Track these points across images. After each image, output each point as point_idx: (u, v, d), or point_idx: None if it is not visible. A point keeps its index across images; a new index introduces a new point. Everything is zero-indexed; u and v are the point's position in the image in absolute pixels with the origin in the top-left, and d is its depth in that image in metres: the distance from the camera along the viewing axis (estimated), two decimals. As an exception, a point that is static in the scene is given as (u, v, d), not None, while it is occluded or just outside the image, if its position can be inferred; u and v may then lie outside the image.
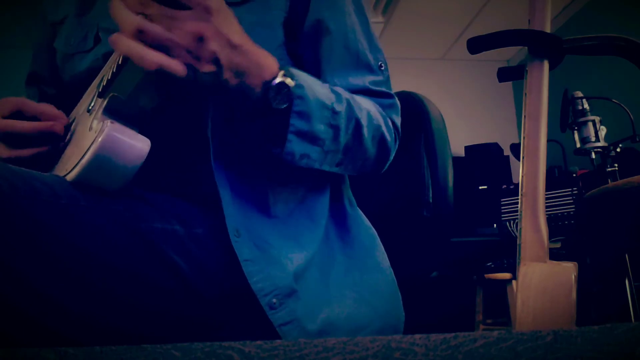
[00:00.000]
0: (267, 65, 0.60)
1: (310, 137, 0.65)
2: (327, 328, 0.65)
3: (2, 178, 0.49)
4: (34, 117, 0.71)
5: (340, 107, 0.68)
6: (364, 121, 0.71)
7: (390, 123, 0.78)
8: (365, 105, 0.73)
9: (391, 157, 0.80)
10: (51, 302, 0.50)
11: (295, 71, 0.63)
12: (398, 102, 0.82)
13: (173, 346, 0.30)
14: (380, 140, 0.75)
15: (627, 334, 0.29)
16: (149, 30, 0.51)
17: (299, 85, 0.62)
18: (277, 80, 0.60)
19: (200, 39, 0.53)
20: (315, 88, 0.65)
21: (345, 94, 0.70)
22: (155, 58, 0.51)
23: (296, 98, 0.62)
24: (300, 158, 0.65)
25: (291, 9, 0.75)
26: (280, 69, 0.62)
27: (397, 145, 0.81)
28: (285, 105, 0.61)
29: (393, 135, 0.78)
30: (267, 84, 0.60)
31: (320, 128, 0.66)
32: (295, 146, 0.64)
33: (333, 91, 0.69)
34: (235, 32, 0.57)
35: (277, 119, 0.63)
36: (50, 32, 0.88)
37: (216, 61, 0.55)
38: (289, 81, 0.61)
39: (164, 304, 0.59)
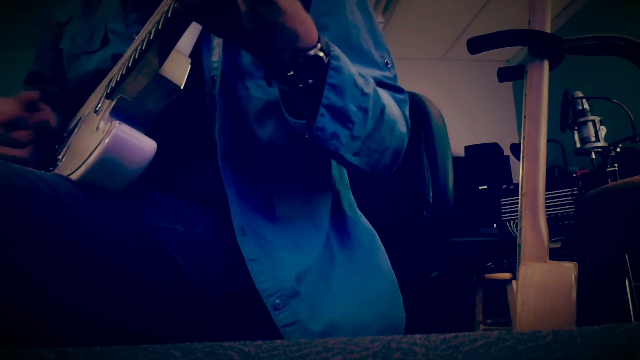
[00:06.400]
0: (304, 33, 0.54)
1: (342, 116, 0.61)
2: (330, 329, 0.65)
3: (4, 176, 0.49)
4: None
5: (369, 90, 0.65)
6: (387, 109, 0.69)
7: (403, 115, 0.76)
8: (385, 94, 0.71)
9: (403, 151, 0.76)
10: (52, 301, 0.50)
11: (332, 45, 0.60)
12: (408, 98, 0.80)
13: (173, 346, 0.30)
14: (397, 131, 0.72)
15: (627, 334, 0.29)
16: None
17: (335, 57, 0.58)
18: (312, 52, 0.55)
19: None
20: (349, 63, 0.62)
21: (371, 79, 0.68)
22: None
23: (331, 69, 0.58)
24: (330, 137, 0.61)
25: None
26: (319, 41, 0.57)
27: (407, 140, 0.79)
28: (313, 80, 0.57)
29: (406, 128, 0.76)
30: (300, 53, 0.55)
31: (352, 108, 0.61)
32: (327, 122, 0.60)
33: (360, 74, 0.65)
34: None
35: (307, 92, 0.59)
36: (57, 33, 0.88)
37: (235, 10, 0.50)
38: (322, 55, 0.56)
39: (164, 303, 0.59)
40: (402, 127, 0.74)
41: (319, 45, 0.56)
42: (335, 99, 0.59)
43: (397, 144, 0.73)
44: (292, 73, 0.55)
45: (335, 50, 0.59)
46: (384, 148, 0.70)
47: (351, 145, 0.64)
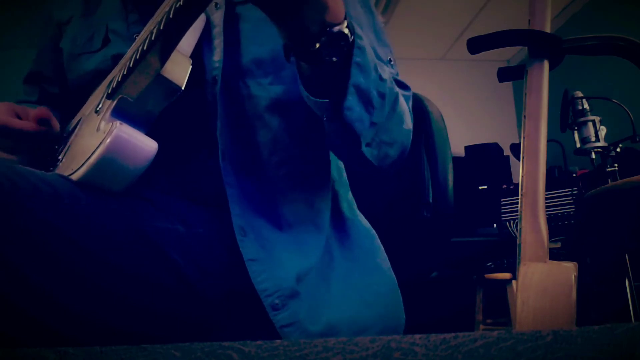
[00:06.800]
0: (333, 7, 0.53)
1: (366, 99, 0.59)
2: (329, 331, 0.64)
3: (4, 176, 0.49)
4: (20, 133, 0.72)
5: (386, 76, 0.64)
6: (400, 100, 0.68)
7: (410, 111, 0.75)
8: (396, 87, 0.70)
9: (408, 148, 0.75)
10: (52, 301, 0.50)
11: (356, 25, 0.58)
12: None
13: (173, 346, 0.30)
14: (405, 125, 0.72)
15: (627, 334, 0.29)
16: None
17: (359, 36, 0.57)
18: (338, 28, 0.53)
19: None
20: (369, 46, 0.60)
21: (385, 67, 0.67)
22: None
23: (357, 48, 0.57)
24: (356, 119, 0.59)
25: None
26: (345, 18, 0.55)
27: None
28: (336, 59, 0.55)
29: (412, 124, 0.75)
30: (326, 27, 0.53)
31: (373, 91, 0.60)
32: (355, 103, 0.58)
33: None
34: None
35: (328, 72, 0.57)
36: (57, 33, 0.88)
37: None
38: (348, 33, 0.54)
39: (164, 304, 0.59)
40: (409, 122, 0.73)
41: (345, 22, 0.55)
42: (361, 79, 0.58)
43: (404, 139, 0.72)
44: (317, 46, 0.53)
45: (359, 30, 0.58)
46: (393, 141, 0.69)
47: (368, 132, 0.63)
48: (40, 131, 0.72)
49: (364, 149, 0.65)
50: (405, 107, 0.72)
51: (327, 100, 0.59)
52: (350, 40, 0.56)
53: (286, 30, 0.55)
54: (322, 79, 0.59)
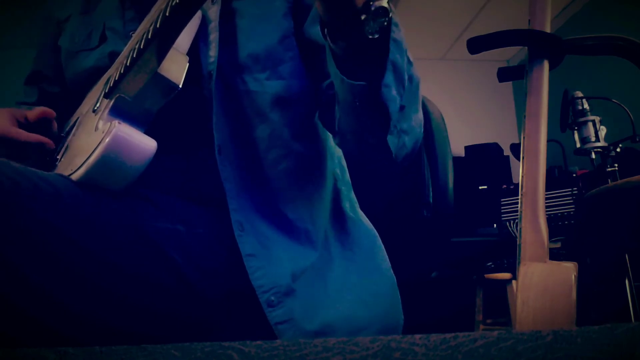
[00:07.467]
0: None
1: (400, 78, 0.58)
2: (325, 329, 0.65)
3: (5, 175, 0.49)
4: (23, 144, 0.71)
5: (412, 59, 0.62)
6: (420, 87, 0.67)
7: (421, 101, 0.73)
8: None
9: (421, 140, 0.73)
10: (52, 301, 0.50)
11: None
12: None
13: (173, 346, 0.30)
14: (420, 114, 0.70)
15: (627, 334, 0.29)
16: None
17: (394, 13, 0.56)
18: (378, 3, 0.51)
19: None
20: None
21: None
22: None
23: (394, 25, 0.56)
24: (392, 98, 0.57)
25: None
26: None
27: None
28: (377, 35, 0.53)
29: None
30: (369, 2, 0.51)
31: (405, 73, 0.59)
32: (392, 80, 0.57)
33: None
34: None
35: (366, 51, 0.56)
36: (56, 31, 0.88)
37: None
38: (388, 6, 0.52)
39: (164, 303, 0.59)
40: (421, 112, 0.71)
41: None
42: (397, 56, 0.57)
43: (417, 129, 0.70)
44: (363, 18, 0.51)
45: (393, 8, 0.56)
46: (409, 130, 0.67)
47: (395, 117, 0.62)
48: (43, 142, 0.71)
49: (388, 136, 0.63)
50: (420, 96, 0.71)
51: (364, 83, 0.57)
52: (390, 16, 0.54)
53: (331, 7, 0.53)
54: (358, 59, 0.57)
